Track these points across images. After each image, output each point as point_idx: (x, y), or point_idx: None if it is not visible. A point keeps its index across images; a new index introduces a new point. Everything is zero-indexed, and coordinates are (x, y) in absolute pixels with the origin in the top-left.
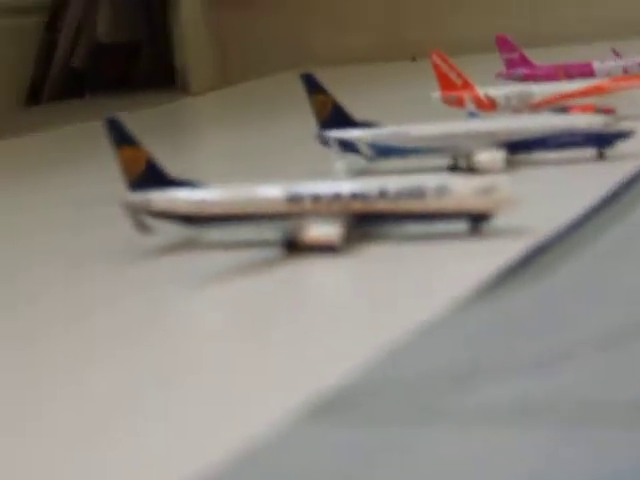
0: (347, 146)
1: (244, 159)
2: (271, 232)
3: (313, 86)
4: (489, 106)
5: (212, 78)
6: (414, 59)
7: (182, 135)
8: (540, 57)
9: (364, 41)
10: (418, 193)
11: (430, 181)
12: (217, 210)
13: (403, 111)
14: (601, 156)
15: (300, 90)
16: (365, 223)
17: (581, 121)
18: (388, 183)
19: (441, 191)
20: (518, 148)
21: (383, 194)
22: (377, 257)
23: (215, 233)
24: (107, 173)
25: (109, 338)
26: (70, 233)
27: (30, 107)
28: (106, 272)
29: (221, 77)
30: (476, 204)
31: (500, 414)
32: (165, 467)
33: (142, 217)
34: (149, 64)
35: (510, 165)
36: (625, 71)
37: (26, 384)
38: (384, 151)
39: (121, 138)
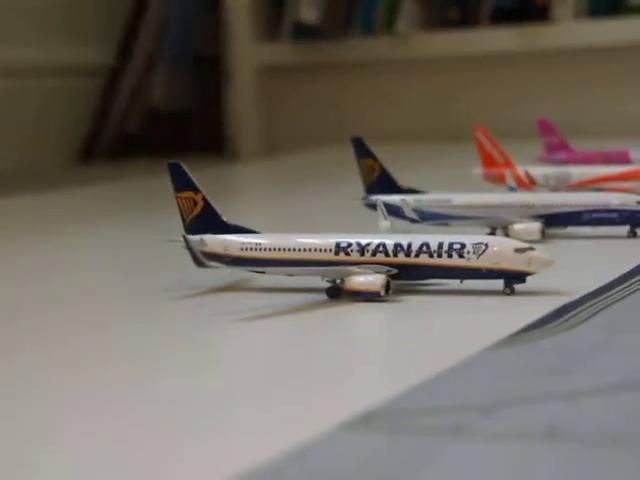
0: (392, 210)
1: (290, 221)
2: (318, 278)
3: (362, 150)
4: (529, 185)
5: (260, 148)
6: (456, 141)
7: (229, 199)
8: (580, 144)
9: (409, 121)
10: (459, 250)
11: (471, 239)
12: (266, 255)
13: (445, 184)
14: (633, 234)
15: (345, 162)
16: (406, 275)
17: (615, 199)
18: (430, 239)
19: (480, 249)
20: (554, 221)
21: (425, 249)
22: (417, 306)
23: (263, 277)
24: (154, 225)
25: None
26: (119, 273)
27: (82, 164)
28: (154, 308)
29: (268, 147)
30: (513, 264)
31: (526, 435)
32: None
33: (198, 253)
34: (200, 131)
35: (545, 237)
36: None
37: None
38: (427, 216)
39: (182, 182)
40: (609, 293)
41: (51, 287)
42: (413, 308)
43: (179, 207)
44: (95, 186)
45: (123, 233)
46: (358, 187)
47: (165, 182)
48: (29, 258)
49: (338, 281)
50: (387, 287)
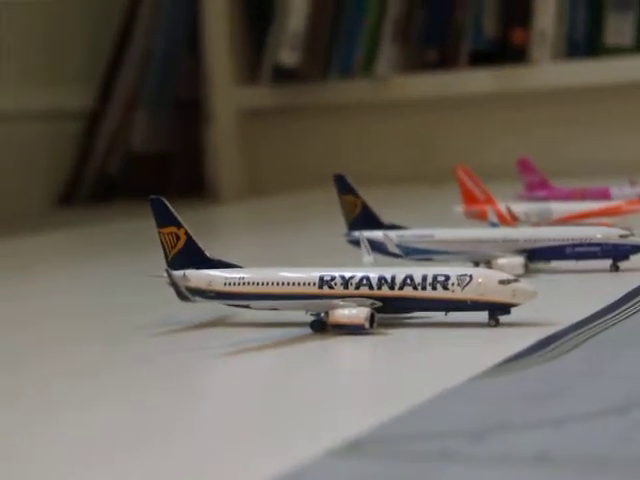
0: (375, 245)
1: (273, 259)
2: (302, 312)
3: (344, 187)
4: (510, 221)
5: (241, 190)
6: (437, 185)
7: (211, 239)
8: (560, 183)
9: (390, 163)
10: (443, 282)
11: (455, 271)
12: (250, 289)
13: (426, 222)
14: (616, 268)
15: (326, 202)
16: (391, 308)
17: (598, 233)
18: (414, 271)
19: (465, 281)
20: (537, 256)
21: (409, 281)
22: (402, 339)
23: (247, 312)
24: (135, 265)
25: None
26: (104, 310)
27: (63, 208)
28: (138, 346)
29: (250, 190)
30: (498, 296)
31: (515, 459)
32: None
33: (182, 287)
34: (181, 174)
35: (528, 271)
36: None
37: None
38: (409, 252)
39: (164, 217)
40: (594, 323)
41: (35, 333)
42: (398, 340)
43: (162, 242)
44: (76, 229)
45: (104, 273)
46: (340, 226)
47: (146, 224)
48: (6, 304)
49: (322, 314)
50: (371, 320)
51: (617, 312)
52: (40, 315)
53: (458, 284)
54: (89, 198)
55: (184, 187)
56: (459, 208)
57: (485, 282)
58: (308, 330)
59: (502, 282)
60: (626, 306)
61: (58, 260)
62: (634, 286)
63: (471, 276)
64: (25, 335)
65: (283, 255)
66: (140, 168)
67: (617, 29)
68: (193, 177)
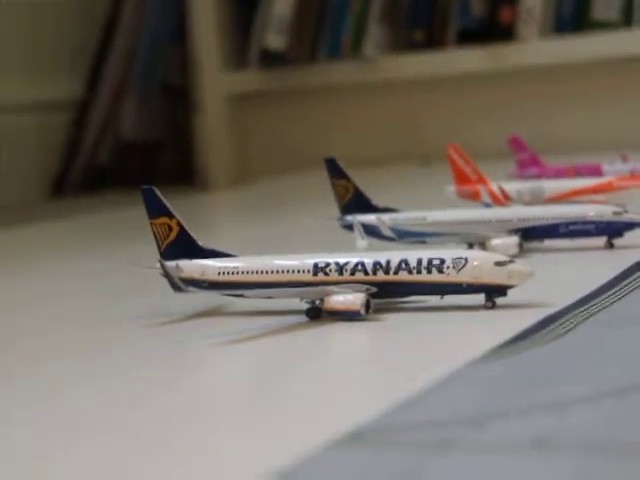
0: (369, 229)
1: (267, 245)
2: (297, 300)
3: (336, 171)
4: (502, 200)
5: (231, 176)
6: (426, 162)
7: (203, 227)
8: (551, 161)
9: (379, 144)
10: (438, 265)
11: (450, 254)
12: (244, 278)
13: (419, 204)
14: (610, 245)
15: (317, 186)
16: (386, 293)
17: (592, 211)
18: (409, 255)
19: (460, 264)
20: (531, 235)
21: (404, 265)
22: (398, 324)
23: (241, 301)
24: (127, 254)
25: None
26: (92, 301)
27: (53, 199)
28: (131, 335)
29: (240, 175)
30: (493, 278)
31: (516, 447)
32: None
33: (175, 277)
34: (171, 161)
35: (523, 251)
36: (632, 174)
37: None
38: (403, 235)
39: (156, 208)
40: (591, 303)
41: (29, 316)
42: (394, 326)
43: (154, 233)
44: (66, 219)
45: (96, 263)
46: (333, 209)
47: (137, 213)
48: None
49: (317, 302)
50: (367, 306)
51: (614, 291)
52: (29, 300)
53: (453, 267)
54: (79, 188)
55: (174, 175)
56: (451, 188)
57: (480, 264)
58: (304, 318)
59: (498, 264)
60: (623, 284)
61: (49, 250)
62: (629, 263)
63: (466, 259)
64: (16, 318)
65: (276, 241)
66: (130, 157)
67: (604, 4)
68: (183, 165)
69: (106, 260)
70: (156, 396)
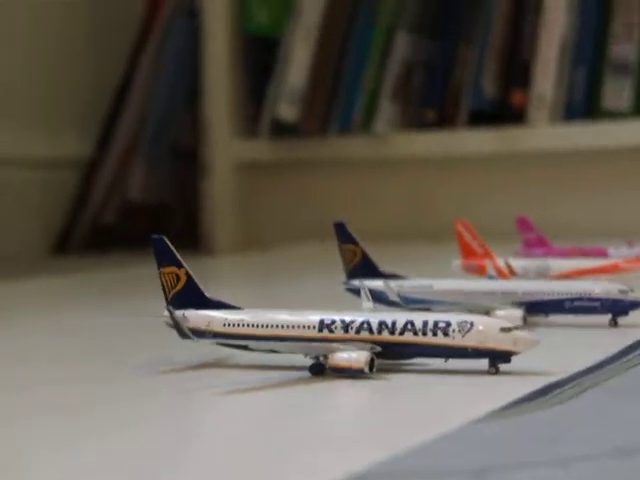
0: (375, 295)
1: (270, 306)
2: (301, 355)
3: (344, 235)
4: (508, 275)
5: (237, 243)
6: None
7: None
8: (557, 244)
9: (388, 220)
10: (444, 328)
11: (456, 318)
12: (249, 331)
13: (425, 275)
14: (615, 323)
15: (324, 256)
16: (391, 353)
17: (597, 288)
18: (415, 317)
19: (466, 328)
20: (536, 309)
21: (409, 326)
22: (401, 384)
23: (246, 354)
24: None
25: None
26: (94, 355)
27: (57, 256)
28: (135, 385)
29: (246, 243)
30: (499, 343)
31: None
32: None
33: (182, 325)
34: (177, 225)
35: (527, 324)
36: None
37: None
38: (409, 301)
39: (165, 257)
40: (595, 373)
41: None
42: (397, 385)
43: (162, 282)
44: (68, 276)
45: (97, 318)
46: (339, 276)
47: (142, 272)
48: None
49: (321, 358)
50: (371, 364)
51: (618, 363)
52: (29, 355)
53: (459, 331)
54: (83, 247)
55: (179, 238)
56: (457, 262)
57: (486, 329)
58: (307, 374)
59: (503, 330)
60: (629, 357)
61: (50, 304)
62: (634, 339)
63: (472, 323)
64: (16, 373)
65: (281, 303)
66: (136, 218)
67: (615, 93)
68: (189, 228)
69: (109, 314)
70: (154, 440)
